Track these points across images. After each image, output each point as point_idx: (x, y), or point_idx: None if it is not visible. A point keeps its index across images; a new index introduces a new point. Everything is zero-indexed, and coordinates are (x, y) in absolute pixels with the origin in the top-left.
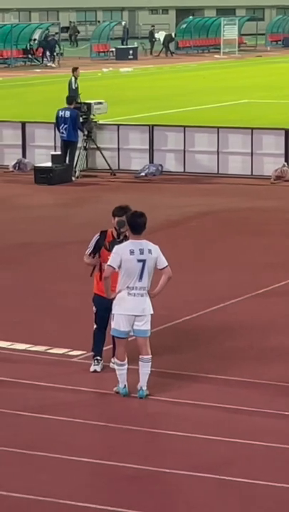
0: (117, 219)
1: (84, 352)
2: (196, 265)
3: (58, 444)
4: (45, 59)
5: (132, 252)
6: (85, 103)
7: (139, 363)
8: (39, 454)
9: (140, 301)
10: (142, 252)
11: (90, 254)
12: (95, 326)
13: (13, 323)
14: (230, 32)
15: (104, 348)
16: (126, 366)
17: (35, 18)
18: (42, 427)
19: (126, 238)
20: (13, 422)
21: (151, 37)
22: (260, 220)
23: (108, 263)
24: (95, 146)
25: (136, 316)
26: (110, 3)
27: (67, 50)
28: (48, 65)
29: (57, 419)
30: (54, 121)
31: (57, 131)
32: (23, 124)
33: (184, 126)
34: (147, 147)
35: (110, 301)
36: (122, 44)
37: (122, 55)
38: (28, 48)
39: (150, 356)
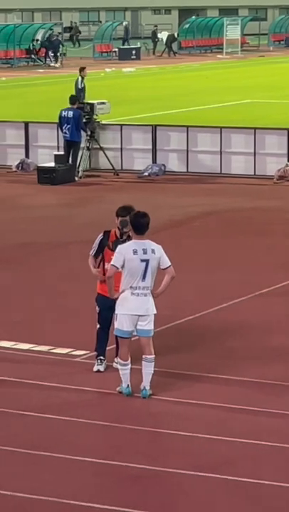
0: (120, 219)
1: (87, 352)
2: (198, 265)
3: (62, 443)
4: (47, 59)
5: (135, 252)
6: (88, 103)
7: (143, 362)
8: (42, 454)
9: (143, 301)
10: (145, 251)
11: (94, 256)
12: (98, 326)
13: (16, 323)
14: (233, 32)
15: (108, 348)
16: (129, 366)
17: (38, 19)
18: (45, 426)
19: (129, 238)
20: (16, 421)
21: (154, 37)
22: (263, 220)
23: (111, 263)
24: (98, 146)
25: (139, 315)
26: (113, 3)
27: (69, 51)
28: (52, 65)
29: (60, 419)
30: (57, 121)
31: (60, 132)
32: (26, 124)
33: (187, 126)
34: (150, 147)
35: (113, 301)
36: (123, 44)
37: (124, 55)
38: (31, 48)
39: (153, 356)
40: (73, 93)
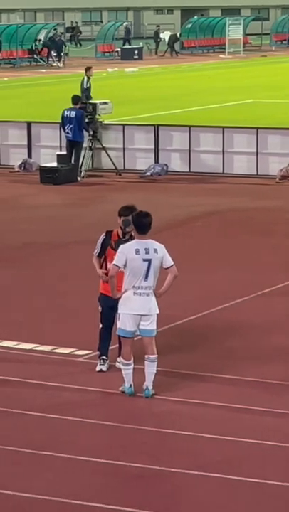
0: (122, 218)
1: (90, 351)
2: (201, 265)
3: (64, 443)
4: (50, 59)
5: (137, 252)
6: (90, 103)
7: (145, 362)
8: (45, 454)
9: (146, 301)
10: (147, 251)
11: (98, 256)
12: (100, 326)
13: (18, 323)
14: (235, 32)
15: (110, 348)
16: (132, 366)
17: (41, 19)
18: (48, 426)
19: (131, 238)
20: (19, 421)
21: (156, 37)
22: (265, 220)
23: (113, 262)
24: (101, 146)
25: (142, 315)
26: (115, 3)
27: (71, 51)
28: (54, 65)
29: (63, 419)
30: (60, 121)
31: (62, 131)
32: (29, 124)
33: (189, 126)
34: (152, 147)
35: (116, 301)
36: (124, 45)
37: (127, 55)
38: (34, 48)
39: (156, 356)
40: (76, 93)
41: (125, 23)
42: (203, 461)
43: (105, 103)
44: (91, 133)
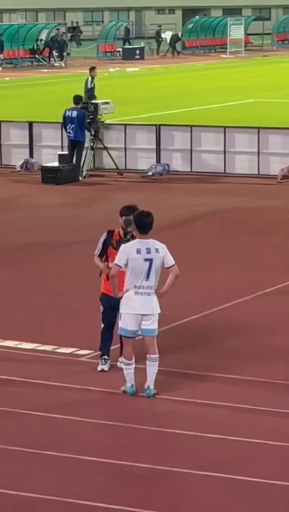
0: (124, 218)
1: (91, 351)
2: (202, 264)
3: (66, 443)
4: (52, 59)
5: (138, 251)
6: (92, 103)
7: (147, 362)
8: (47, 453)
9: (147, 300)
10: (148, 251)
11: (99, 256)
12: (102, 326)
13: (20, 323)
14: (236, 32)
15: (112, 348)
16: (133, 365)
17: (42, 19)
18: (50, 426)
19: (133, 237)
20: (21, 421)
21: (157, 37)
22: (266, 220)
23: (114, 262)
24: (102, 146)
25: (143, 315)
26: (117, 3)
27: (73, 50)
28: (56, 64)
29: (65, 419)
30: (61, 121)
31: (64, 131)
32: (31, 124)
33: (191, 126)
34: (154, 147)
35: (117, 300)
36: (124, 45)
37: (128, 55)
38: (35, 48)
39: (157, 355)
40: (77, 93)
41: (125, 24)
42: (205, 460)
43: (107, 103)
44: (93, 133)
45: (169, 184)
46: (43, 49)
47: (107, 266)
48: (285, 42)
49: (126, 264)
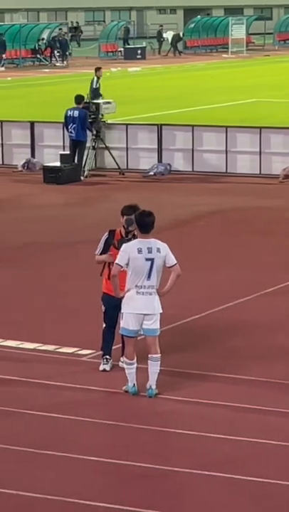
0: (125, 217)
1: (93, 351)
2: (204, 264)
3: (67, 442)
4: (53, 59)
5: (139, 251)
6: (93, 103)
7: (148, 361)
8: (48, 453)
9: (149, 300)
10: (150, 250)
11: (100, 254)
12: (104, 325)
13: (21, 323)
14: (238, 31)
15: (114, 347)
16: (135, 365)
17: (44, 18)
18: (51, 425)
19: (134, 237)
20: (22, 420)
21: (159, 37)
22: (268, 219)
23: (116, 261)
24: (104, 146)
25: (145, 314)
26: (118, 3)
27: (75, 50)
28: (58, 64)
29: (66, 418)
30: (63, 120)
31: (66, 131)
32: (32, 124)
33: (193, 126)
34: (156, 146)
35: (119, 300)
36: (124, 45)
37: (130, 55)
38: (37, 48)
39: (159, 355)
40: (79, 92)
41: (124, 24)
42: (207, 460)
43: (108, 102)
44: (94, 132)
45: (171, 184)
46: (45, 49)
47: (110, 254)
48: (287, 41)
49: (127, 264)
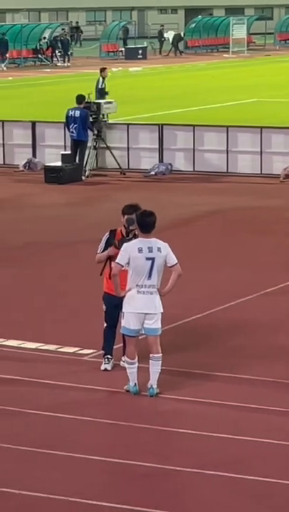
0: (126, 217)
1: (94, 350)
2: (205, 264)
3: (69, 442)
4: (54, 59)
5: (140, 250)
6: (94, 102)
7: (150, 361)
8: (50, 452)
9: (150, 299)
10: (150, 250)
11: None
12: (105, 325)
13: (22, 322)
14: (239, 31)
15: (115, 347)
16: (136, 364)
17: (45, 18)
18: (53, 425)
19: (135, 236)
20: (24, 420)
21: (160, 36)
22: (269, 219)
23: (116, 260)
24: (105, 146)
25: (146, 314)
26: (119, 3)
27: (76, 50)
28: (59, 64)
29: (68, 418)
30: (64, 120)
31: (67, 131)
32: (33, 124)
33: (194, 126)
34: (157, 146)
35: (120, 299)
36: (124, 45)
37: (131, 55)
38: (38, 48)
39: (160, 355)
40: (80, 92)
41: (123, 24)
42: (209, 459)
43: (109, 102)
44: (95, 132)
45: (172, 184)
46: (47, 49)
47: (113, 248)
48: (288, 41)
49: (128, 263)
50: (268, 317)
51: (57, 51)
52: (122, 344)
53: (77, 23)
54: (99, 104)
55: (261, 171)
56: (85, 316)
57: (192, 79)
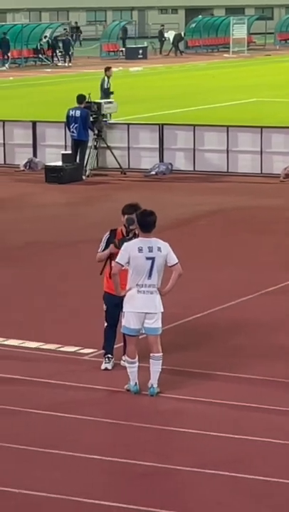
0: (126, 216)
1: (95, 350)
2: (205, 263)
3: (70, 441)
4: (55, 59)
5: (140, 250)
6: (95, 102)
7: (150, 360)
8: (51, 452)
9: (149, 299)
10: (150, 249)
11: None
12: (105, 324)
13: (22, 322)
14: (239, 31)
15: (115, 346)
16: (137, 364)
17: (46, 18)
18: (53, 424)
19: (135, 236)
20: (24, 419)
21: (160, 36)
22: (269, 219)
23: (116, 260)
24: (106, 145)
25: (146, 313)
26: (120, 3)
27: (76, 50)
28: (60, 64)
29: (68, 417)
30: (65, 120)
31: (67, 131)
32: (34, 124)
33: (194, 125)
34: (157, 146)
35: (120, 299)
36: (123, 45)
37: (131, 55)
38: (39, 48)
39: (161, 354)
40: (81, 92)
41: (122, 24)
42: (209, 459)
43: (110, 102)
44: (96, 132)
45: (172, 183)
46: (48, 48)
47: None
48: (288, 41)
49: (128, 263)
50: (268, 316)
51: (57, 51)
52: (122, 343)
53: (76, 23)
54: (99, 104)
55: (261, 170)
56: (85, 315)
57: (192, 79)
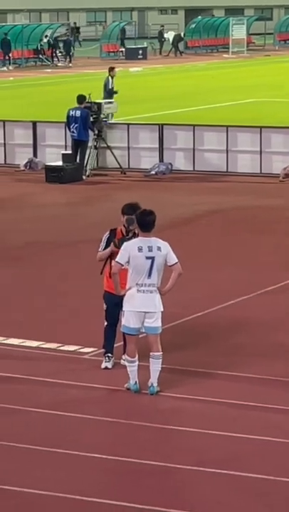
0: (126, 216)
1: (95, 349)
2: (205, 263)
3: (70, 440)
4: (55, 59)
5: (140, 249)
6: (95, 102)
7: (150, 359)
8: (51, 450)
9: (149, 298)
10: (150, 249)
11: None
12: (105, 323)
13: (23, 322)
14: (238, 32)
15: (116, 345)
16: (137, 363)
17: (46, 19)
18: (54, 423)
19: (135, 235)
20: (24, 418)
21: (160, 37)
22: (268, 219)
23: (116, 259)
24: (106, 145)
25: (146, 312)
26: (120, 3)
27: (76, 50)
28: (60, 64)
29: (68, 416)
30: (65, 120)
31: (68, 131)
32: (34, 124)
33: (194, 125)
34: (157, 146)
35: (120, 298)
36: (122, 46)
37: (131, 55)
38: (39, 48)
39: (161, 353)
40: (81, 92)
41: (122, 24)
42: (209, 457)
43: (110, 102)
44: (96, 132)
45: (172, 183)
46: (48, 49)
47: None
48: (287, 42)
49: (128, 262)
50: (268, 315)
51: (57, 51)
52: (122, 342)
53: (75, 23)
54: (100, 104)
55: (261, 170)
56: (85, 315)
57: (192, 79)
